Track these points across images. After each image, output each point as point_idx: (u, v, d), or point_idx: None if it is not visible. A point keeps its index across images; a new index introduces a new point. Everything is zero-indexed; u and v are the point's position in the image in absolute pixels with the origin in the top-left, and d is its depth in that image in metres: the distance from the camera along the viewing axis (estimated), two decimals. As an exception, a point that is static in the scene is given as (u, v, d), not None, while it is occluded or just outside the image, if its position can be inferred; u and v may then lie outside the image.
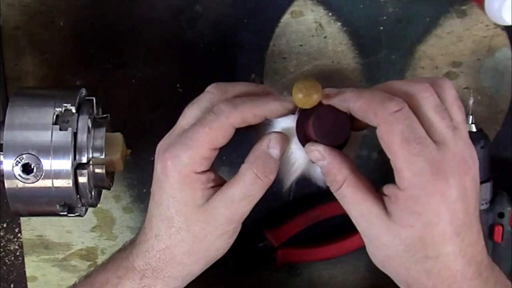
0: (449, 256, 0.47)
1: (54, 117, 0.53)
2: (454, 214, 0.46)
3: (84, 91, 0.57)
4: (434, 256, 0.47)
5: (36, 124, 0.53)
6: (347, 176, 0.48)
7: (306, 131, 0.50)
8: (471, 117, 0.64)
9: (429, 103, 0.47)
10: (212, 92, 0.51)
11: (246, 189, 0.49)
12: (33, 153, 0.52)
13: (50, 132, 0.52)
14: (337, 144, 0.49)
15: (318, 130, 0.49)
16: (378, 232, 0.48)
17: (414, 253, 0.47)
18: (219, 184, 0.50)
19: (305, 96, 0.48)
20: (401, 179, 0.46)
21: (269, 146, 0.49)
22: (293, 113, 0.50)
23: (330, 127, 0.49)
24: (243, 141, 0.67)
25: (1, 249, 0.68)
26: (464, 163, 0.47)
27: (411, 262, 0.47)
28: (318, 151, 0.49)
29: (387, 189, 0.48)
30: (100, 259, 0.68)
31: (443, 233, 0.46)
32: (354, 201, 0.48)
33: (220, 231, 0.50)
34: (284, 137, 0.50)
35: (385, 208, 0.47)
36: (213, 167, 0.51)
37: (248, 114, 0.48)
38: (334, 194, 0.49)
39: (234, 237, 0.51)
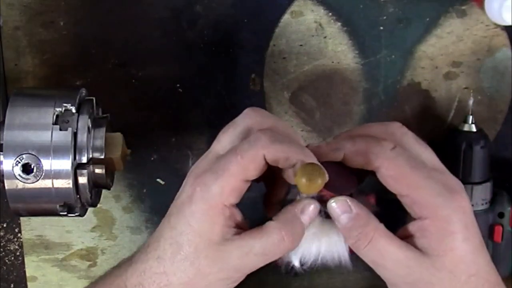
0: (484, 268, 0.47)
1: (54, 117, 0.53)
2: (474, 227, 0.47)
3: (84, 91, 0.56)
4: (475, 273, 0.47)
5: (36, 124, 0.53)
6: (377, 226, 0.47)
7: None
8: (471, 117, 0.64)
9: (410, 137, 0.49)
10: (249, 116, 0.49)
11: (268, 247, 0.46)
12: (33, 153, 0.52)
13: (50, 132, 0.52)
14: (351, 192, 0.49)
15: (331, 185, 0.47)
16: (421, 274, 0.47)
17: (460, 277, 0.47)
18: (239, 226, 0.48)
19: (309, 182, 0.45)
20: (424, 207, 0.47)
21: (303, 211, 0.47)
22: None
23: (339, 179, 0.48)
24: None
25: (1, 249, 0.68)
26: (459, 181, 0.48)
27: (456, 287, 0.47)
28: (345, 201, 0.47)
29: (411, 228, 0.47)
30: (100, 259, 0.68)
31: (476, 247, 0.47)
32: (389, 251, 0.47)
33: (225, 275, 0.47)
34: (316, 207, 0.48)
35: (417, 248, 0.47)
36: (239, 209, 0.48)
37: (281, 154, 0.46)
38: (361, 251, 0.47)
39: (235, 284, 0.48)
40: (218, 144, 0.49)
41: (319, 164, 0.46)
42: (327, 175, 0.46)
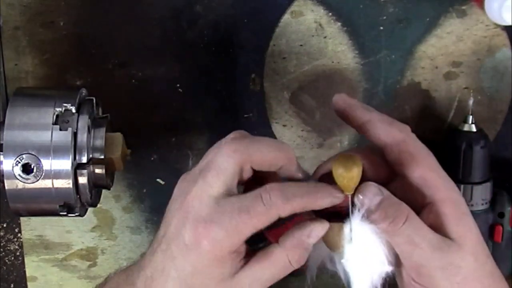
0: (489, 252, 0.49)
1: (54, 117, 0.53)
2: None
3: (84, 91, 0.57)
4: (489, 254, 0.48)
5: (36, 124, 0.53)
6: (407, 206, 0.47)
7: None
8: (471, 117, 0.64)
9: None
10: (232, 157, 0.47)
11: (276, 273, 0.47)
12: (33, 153, 0.52)
13: (50, 132, 0.52)
14: None
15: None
16: (451, 258, 0.46)
17: (480, 258, 0.47)
18: (246, 255, 0.48)
19: (345, 170, 0.45)
20: (437, 188, 0.47)
21: (310, 235, 0.47)
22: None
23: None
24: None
25: (1, 249, 0.68)
26: None
27: (479, 269, 0.47)
28: (374, 185, 0.47)
29: (426, 215, 0.47)
30: (100, 259, 0.68)
31: (479, 234, 0.48)
32: (423, 231, 0.46)
33: None
34: (325, 227, 0.48)
35: (442, 231, 0.47)
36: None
37: (298, 207, 0.46)
38: (399, 230, 0.46)
39: None
40: (208, 186, 0.47)
41: (353, 154, 0.46)
42: (361, 164, 0.45)
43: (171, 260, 0.47)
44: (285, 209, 0.46)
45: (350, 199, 0.47)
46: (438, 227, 0.47)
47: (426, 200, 0.47)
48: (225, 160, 0.47)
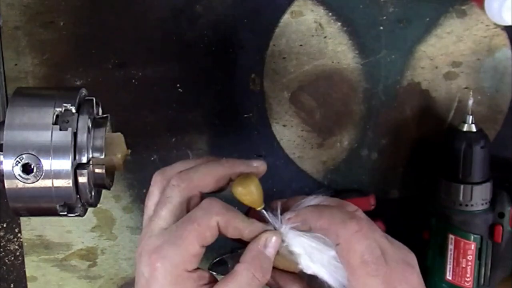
0: None
1: (54, 117, 0.53)
2: None
3: (84, 91, 0.56)
4: None
5: (36, 124, 0.52)
6: None
7: None
8: (471, 117, 0.64)
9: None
10: (178, 185, 0.49)
11: None
12: (33, 153, 0.52)
13: (50, 132, 0.52)
14: None
15: None
16: None
17: None
18: (211, 281, 0.49)
19: (243, 188, 0.49)
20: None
21: (266, 245, 0.49)
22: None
23: None
24: (243, 141, 0.67)
25: (1, 249, 0.68)
26: (407, 265, 0.48)
27: None
28: None
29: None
30: (100, 259, 0.68)
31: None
32: None
33: None
34: (279, 236, 0.49)
35: None
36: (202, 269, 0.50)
37: (233, 223, 0.48)
38: None
39: None
40: (159, 220, 0.49)
41: (251, 175, 0.49)
42: (256, 179, 0.49)
43: None
44: (223, 216, 0.48)
45: (265, 212, 0.49)
46: None
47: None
48: (171, 190, 0.49)
